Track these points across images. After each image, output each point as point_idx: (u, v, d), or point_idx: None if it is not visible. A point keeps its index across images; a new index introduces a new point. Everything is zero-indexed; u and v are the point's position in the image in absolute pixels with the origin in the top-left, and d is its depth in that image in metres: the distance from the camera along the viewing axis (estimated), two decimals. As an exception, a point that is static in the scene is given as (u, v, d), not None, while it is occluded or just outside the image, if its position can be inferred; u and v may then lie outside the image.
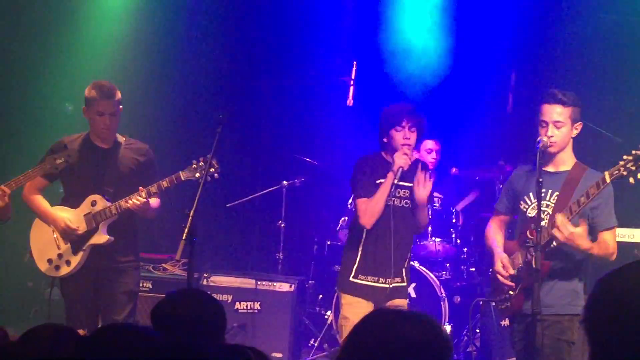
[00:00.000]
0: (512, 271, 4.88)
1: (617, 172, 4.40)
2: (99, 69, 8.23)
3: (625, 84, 8.41)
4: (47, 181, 5.59)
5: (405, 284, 5.61)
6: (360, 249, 5.53)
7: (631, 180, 4.41)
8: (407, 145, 5.44)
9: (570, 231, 4.49)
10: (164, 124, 8.34)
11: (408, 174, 5.48)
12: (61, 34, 8.32)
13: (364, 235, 5.52)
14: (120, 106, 5.55)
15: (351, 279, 5.52)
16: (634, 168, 4.34)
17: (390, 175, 5.41)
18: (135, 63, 8.52)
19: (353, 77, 7.26)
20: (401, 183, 5.47)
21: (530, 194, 4.87)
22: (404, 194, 5.54)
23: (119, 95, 5.52)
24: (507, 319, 6.65)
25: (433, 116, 8.77)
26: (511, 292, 4.94)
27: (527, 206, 4.89)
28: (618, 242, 5.03)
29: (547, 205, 4.80)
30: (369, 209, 5.44)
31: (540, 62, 8.58)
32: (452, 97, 8.89)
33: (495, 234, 5.20)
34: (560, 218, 4.53)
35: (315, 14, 8.94)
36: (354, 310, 5.38)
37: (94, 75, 8.15)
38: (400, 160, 5.39)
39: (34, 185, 5.57)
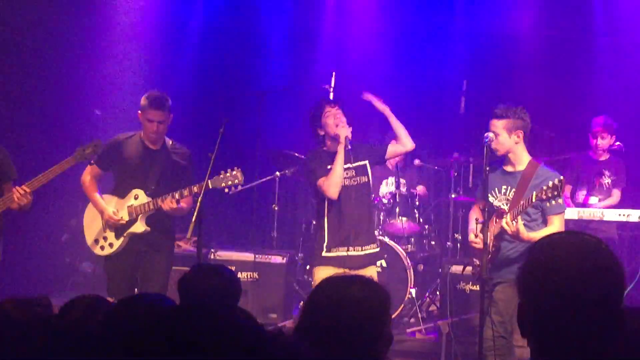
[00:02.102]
0: (479, 243, 4.95)
1: (540, 194, 4.54)
2: (123, 79, 8.23)
3: (555, 88, 8.50)
4: (102, 171, 5.57)
5: (378, 249, 5.62)
6: (326, 228, 5.47)
7: (547, 204, 4.62)
8: (341, 122, 5.41)
9: (513, 230, 4.62)
10: (175, 125, 8.34)
11: (350, 157, 5.42)
12: (91, 46, 8.29)
13: (325, 217, 5.47)
14: (171, 114, 5.45)
15: (324, 254, 5.46)
16: (550, 195, 4.49)
17: (340, 147, 5.33)
18: (153, 72, 8.53)
19: (332, 85, 7.25)
20: (346, 165, 5.40)
21: (496, 188, 4.96)
22: (350, 174, 5.46)
23: (168, 105, 5.42)
24: (464, 282, 6.82)
25: (400, 117, 8.85)
26: (478, 262, 5.04)
27: (493, 198, 4.97)
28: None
29: (507, 200, 4.91)
30: (331, 181, 5.32)
31: (488, 70, 8.64)
32: (415, 100, 8.94)
33: (472, 215, 5.27)
34: (506, 219, 4.67)
35: (301, 33, 8.98)
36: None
37: (119, 84, 8.18)
38: (344, 131, 5.35)
39: (92, 173, 5.53)
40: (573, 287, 1.74)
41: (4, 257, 5.51)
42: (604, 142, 7.18)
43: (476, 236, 5.02)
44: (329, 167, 5.40)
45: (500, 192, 4.98)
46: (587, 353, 1.72)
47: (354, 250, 5.47)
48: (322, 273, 5.31)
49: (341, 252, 5.44)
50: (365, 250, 5.51)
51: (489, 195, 4.98)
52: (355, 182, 5.51)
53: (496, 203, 4.96)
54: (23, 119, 7.56)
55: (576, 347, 1.72)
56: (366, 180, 5.55)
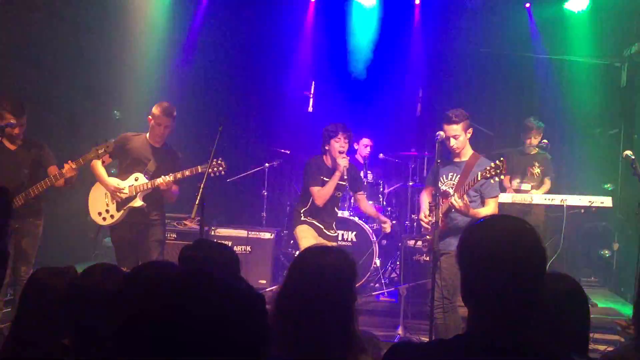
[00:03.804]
0: (429, 220, 5.02)
1: (485, 173, 4.57)
2: (140, 85, 8.17)
3: (494, 96, 8.57)
4: (110, 159, 5.63)
5: (336, 234, 6.08)
6: (307, 206, 5.85)
7: (492, 181, 4.70)
8: (343, 152, 5.68)
9: (460, 205, 4.68)
10: (182, 125, 8.30)
11: (344, 177, 5.74)
12: (110, 56, 8.23)
13: (309, 202, 5.83)
14: (174, 123, 5.63)
15: (302, 218, 5.86)
16: (494, 173, 4.53)
17: (337, 173, 5.67)
18: (163, 79, 8.49)
19: (312, 91, 7.26)
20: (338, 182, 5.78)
21: (444, 175, 5.02)
22: (338, 187, 5.81)
23: (174, 114, 5.60)
24: (418, 254, 6.86)
25: (367, 119, 8.90)
26: (428, 237, 5.08)
27: (441, 183, 5.02)
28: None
29: (453, 185, 4.96)
30: (322, 195, 5.70)
31: (439, 81, 8.69)
32: (379, 105, 8.98)
33: (423, 198, 5.35)
34: (454, 197, 4.72)
35: (287, 48, 8.98)
36: (307, 239, 5.72)
37: (136, 90, 8.12)
38: (343, 162, 5.67)
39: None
40: (501, 261, 1.73)
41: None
42: (535, 140, 7.28)
43: (426, 216, 5.09)
44: (323, 178, 5.73)
45: (447, 178, 5.03)
46: (513, 316, 1.72)
47: (325, 229, 5.87)
48: (303, 228, 5.85)
49: (316, 222, 5.86)
50: (331, 232, 5.95)
51: (439, 181, 5.03)
52: (338, 195, 5.92)
53: (443, 187, 5.01)
54: (52, 118, 7.48)
55: (505, 310, 1.72)
56: (341, 194, 5.98)
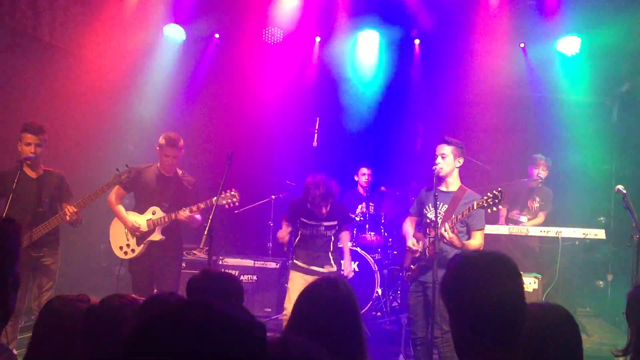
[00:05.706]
0: (419, 248, 4.97)
1: (481, 203, 4.50)
2: (151, 119, 8.23)
3: (491, 132, 8.60)
4: (125, 192, 5.61)
5: (335, 269, 5.77)
6: (297, 249, 5.80)
7: (489, 210, 4.54)
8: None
9: (450, 236, 4.59)
10: (193, 158, 8.34)
11: (326, 216, 5.63)
12: (124, 90, 8.31)
13: (296, 241, 5.82)
14: (182, 151, 5.55)
15: (294, 261, 5.78)
16: (491, 203, 4.45)
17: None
18: (174, 113, 8.55)
19: (317, 127, 7.31)
20: (325, 223, 5.66)
21: (430, 204, 4.96)
22: (321, 229, 5.71)
23: (181, 144, 5.52)
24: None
25: (369, 152, 8.93)
26: (412, 267, 5.02)
27: (428, 211, 4.97)
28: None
29: (440, 214, 4.87)
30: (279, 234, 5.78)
31: (438, 119, 8.74)
32: (382, 140, 9.00)
33: (408, 227, 5.28)
34: (445, 227, 4.63)
35: (294, 84, 9.06)
36: (293, 282, 5.63)
37: (149, 123, 8.17)
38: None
39: (118, 194, 5.58)
40: (482, 300, 1.73)
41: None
42: (543, 172, 7.33)
43: (414, 244, 5.01)
44: (303, 219, 5.67)
45: (434, 207, 4.95)
46: (500, 346, 1.72)
47: (316, 267, 5.70)
48: (293, 274, 5.75)
49: (303, 264, 5.72)
50: (325, 268, 5.71)
51: (424, 209, 4.98)
52: (322, 233, 5.73)
53: (429, 215, 4.95)
54: (72, 151, 7.53)
55: (491, 341, 1.72)
56: (332, 232, 5.76)
